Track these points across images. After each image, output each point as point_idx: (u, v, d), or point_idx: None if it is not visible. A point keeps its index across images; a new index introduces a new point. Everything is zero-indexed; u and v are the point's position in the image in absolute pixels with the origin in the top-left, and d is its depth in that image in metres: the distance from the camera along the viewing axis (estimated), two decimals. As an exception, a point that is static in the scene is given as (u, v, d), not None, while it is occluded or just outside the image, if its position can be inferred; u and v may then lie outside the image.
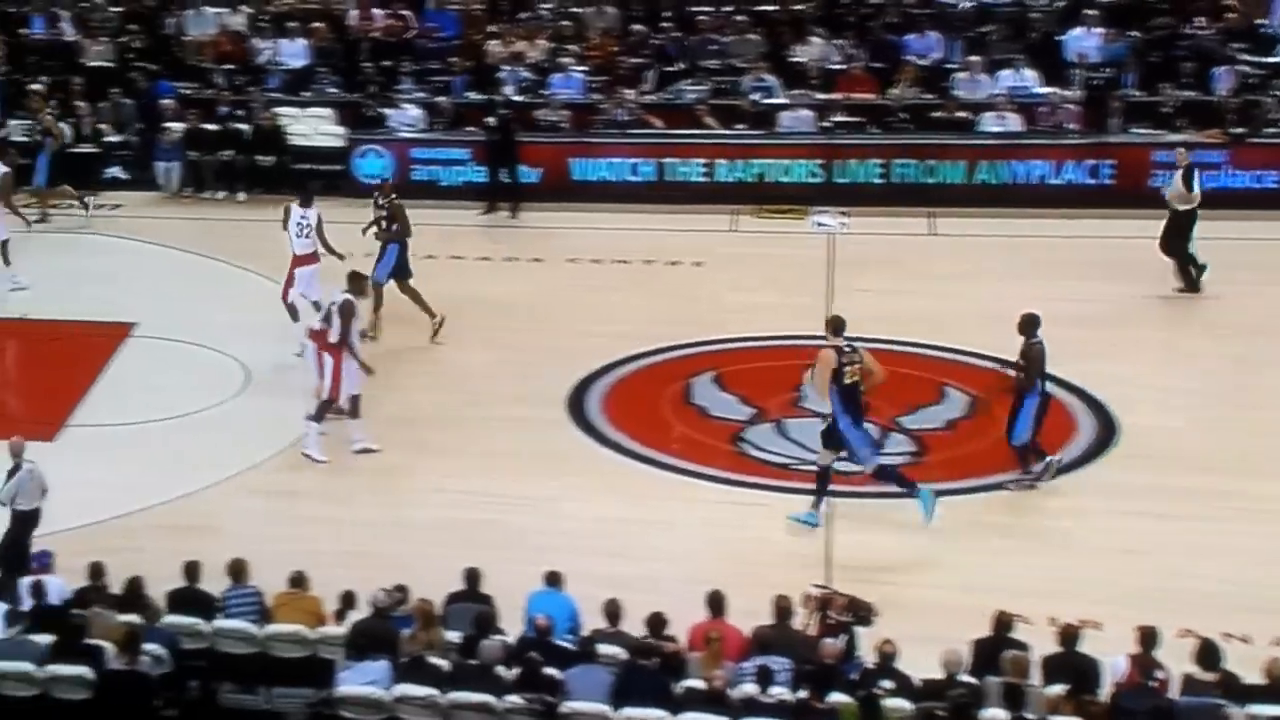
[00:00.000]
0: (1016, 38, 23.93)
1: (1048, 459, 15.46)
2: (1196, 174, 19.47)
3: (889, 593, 12.95)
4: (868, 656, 11.87)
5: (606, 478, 15.90)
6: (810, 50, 23.99)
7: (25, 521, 14.02)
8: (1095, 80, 23.14)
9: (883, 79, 23.62)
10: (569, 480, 15.72)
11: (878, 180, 22.47)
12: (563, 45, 24.44)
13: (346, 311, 16.04)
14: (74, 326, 18.20)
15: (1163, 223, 19.32)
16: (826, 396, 14.59)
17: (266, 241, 20.06)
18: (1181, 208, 19.28)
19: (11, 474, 14.06)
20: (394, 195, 19.00)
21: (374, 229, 18.57)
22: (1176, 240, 19.29)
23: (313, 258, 18.03)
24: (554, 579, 12.78)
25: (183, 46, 25.02)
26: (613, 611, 12.32)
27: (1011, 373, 15.33)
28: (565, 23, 24.76)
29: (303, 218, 18.11)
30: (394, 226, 18.48)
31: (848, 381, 14.55)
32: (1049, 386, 15.59)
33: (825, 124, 23.05)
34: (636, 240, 21.06)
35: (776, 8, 24.76)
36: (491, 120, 22.69)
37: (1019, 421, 15.28)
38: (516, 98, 23.62)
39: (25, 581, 12.87)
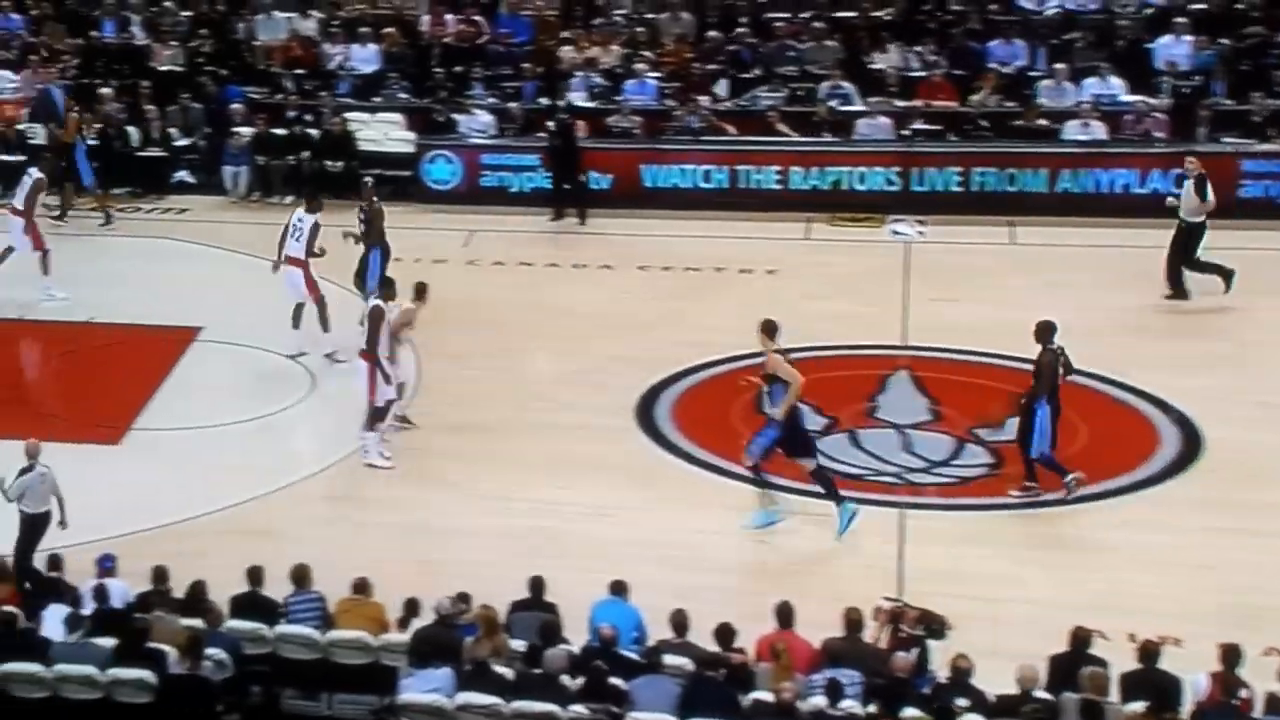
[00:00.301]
0: (1102, 45, 23.80)
1: (1069, 477, 15.34)
2: (1209, 184, 19.35)
3: (963, 607, 12.84)
4: (941, 671, 11.78)
5: (675, 486, 15.90)
6: (889, 57, 23.94)
7: (33, 525, 14.17)
8: (1184, 88, 22.96)
9: (963, 86, 23.54)
10: (636, 489, 15.73)
11: (957, 188, 22.37)
12: (637, 51, 24.52)
13: (375, 317, 16.18)
14: (140, 330, 18.40)
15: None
16: (792, 397, 14.70)
17: (332, 246, 20.25)
18: (1192, 220, 19.18)
19: (22, 473, 14.21)
20: (375, 200, 19.22)
21: (354, 234, 18.86)
22: (1180, 252, 19.18)
23: (301, 262, 18.18)
24: (619, 588, 12.79)
25: (252, 51, 25.34)
26: (679, 622, 12.30)
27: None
28: (640, 29, 24.83)
29: (299, 220, 18.29)
30: (365, 232, 18.78)
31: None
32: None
33: (904, 131, 22.97)
34: (708, 248, 21.10)
35: (855, 14, 24.73)
36: (551, 125, 22.78)
37: (1034, 432, 15.19)
38: (588, 103, 23.73)
39: (88, 585, 13.02)
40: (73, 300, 19.62)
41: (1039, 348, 15.23)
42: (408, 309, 16.45)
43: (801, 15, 24.81)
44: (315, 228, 18.22)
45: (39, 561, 13.68)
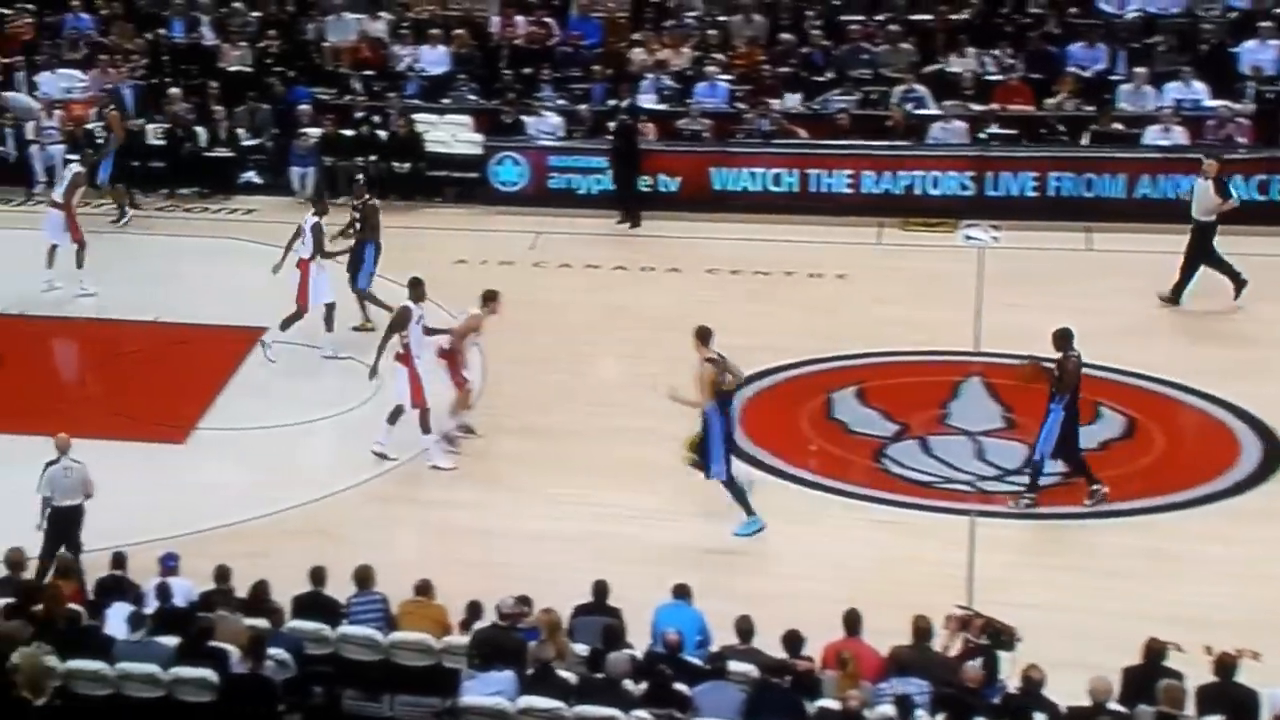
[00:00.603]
0: (1185, 49, 23.62)
1: (1095, 487, 15.35)
2: (1229, 182, 19.41)
3: (1034, 616, 12.74)
4: (1012, 681, 11.70)
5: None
6: (965, 61, 23.85)
7: (61, 518, 14.32)
8: (1269, 93, 22.74)
9: (1040, 90, 23.41)
10: (702, 494, 15.67)
11: (1032, 193, 22.25)
12: (708, 54, 24.55)
13: (401, 317, 16.38)
14: (206, 330, 18.58)
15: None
16: (704, 408, 14.84)
17: (399, 248, 20.37)
18: (1205, 219, 19.15)
19: (48, 466, 14.41)
20: (368, 197, 19.40)
21: (344, 232, 19.05)
22: (1200, 253, 19.18)
23: (305, 263, 18.40)
24: (683, 592, 12.79)
25: (321, 52, 25.53)
26: (745, 628, 12.28)
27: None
28: (711, 31, 24.86)
29: (307, 223, 18.58)
30: (359, 228, 18.94)
31: (725, 389, 14.94)
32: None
33: (979, 135, 22.87)
34: (777, 252, 21.08)
35: (931, 17, 24.66)
36: (612, 125, 22.81)
37: (1044, 434, 15.25)
38: (657, 106, 23.77)
39: (151, 583, 13.16)
40: (103, 296, 19.92)
41: (1059, 354, 15.29)
42: (475, 315, 16.53)
43: (876, 18, 24.78)
44: (317, 229, 18.43)
45: (103, 560, 13.80)
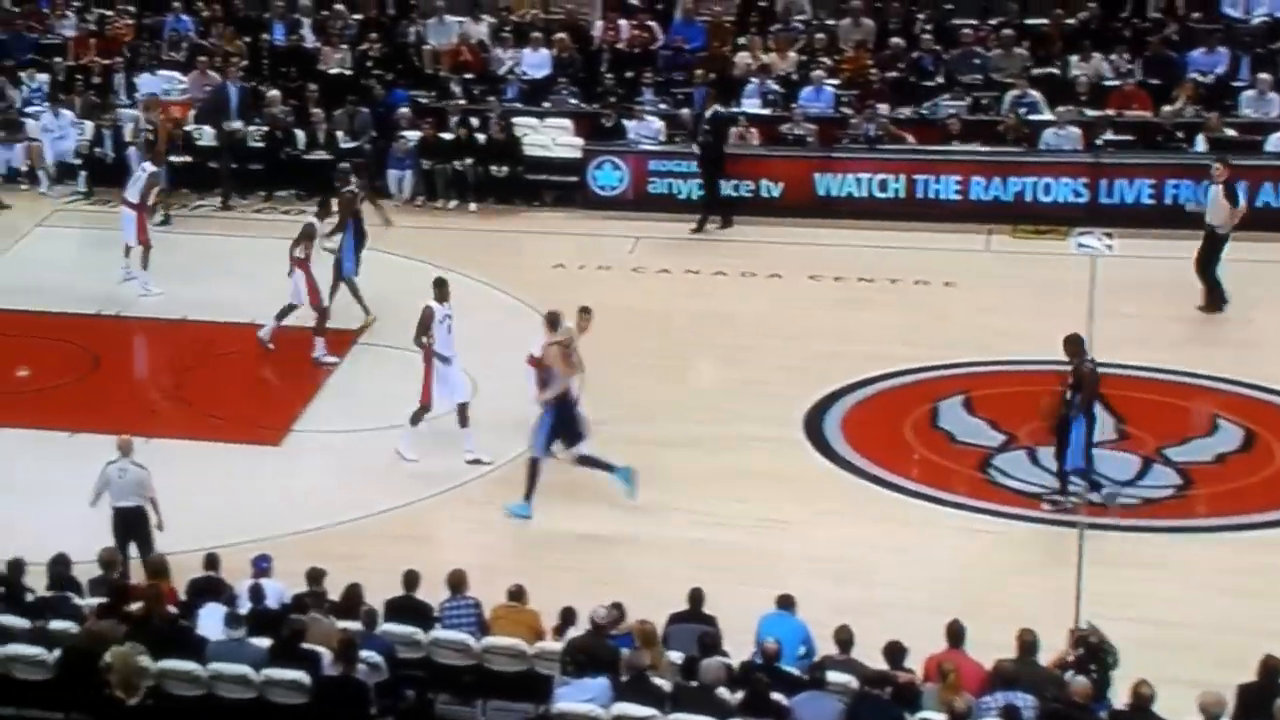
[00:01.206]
0: (1313, 55, 23.32)
1: (1105, 488, 15.41)
2: (1239, 188, 19.52)
3: (1144, 631, 12.68)
4: (1121, 698, 11.58)
5: (844, 501, 15.92)
6: (1081, 65, 23.67)
7: (123, 519, 14.51)
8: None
9: (1159, 96, 23.18)
10: (803, 502, 15.77)
11: (1148, 200, 22.02)
12: (814, 58, 24.55)
13: (425, 318, 16.60)
14: (301, 332, 18.78)
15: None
16: (559, 385, 15.69)
17: (497, 252, 20.63)
18: (1218, 224, 19.19)
19: (107, 465, 14.64)
20: (348, 186, 19.93)
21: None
22: (1210, 259, 19.15)
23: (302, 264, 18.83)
24: (786, 602, 12.79)
25: (421, 55, 25.78)
26: (844, 638, 12.26)
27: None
28: (819, 35, 24.85)
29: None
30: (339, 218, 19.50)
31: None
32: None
33: (1094, 141, 22.68)
34: (882, 258, 21.05)
35: (1046, 21, 24.49)
36: (706, 126, 22.86)
37: (1072, 445, 15.25)
38: (761, 110, 23.80)
39: (244, 585, 13.34)
40: (200, 296, 20.22)
41: (1075, 362, 15.31)
42: (568, 329, 16.56)
43: (989, 22, 24.65)
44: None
45: (195, 561, 14.02)
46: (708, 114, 22.69)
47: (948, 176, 22.56)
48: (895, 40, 24.62)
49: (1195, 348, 17.72)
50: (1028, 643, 12.02)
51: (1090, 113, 23.08)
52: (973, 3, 25.42)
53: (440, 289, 16.86)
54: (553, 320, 16.13)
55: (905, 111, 23.73)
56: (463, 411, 16.70)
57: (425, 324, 16.56)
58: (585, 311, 16.58)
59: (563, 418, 15.76)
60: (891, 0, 25.29)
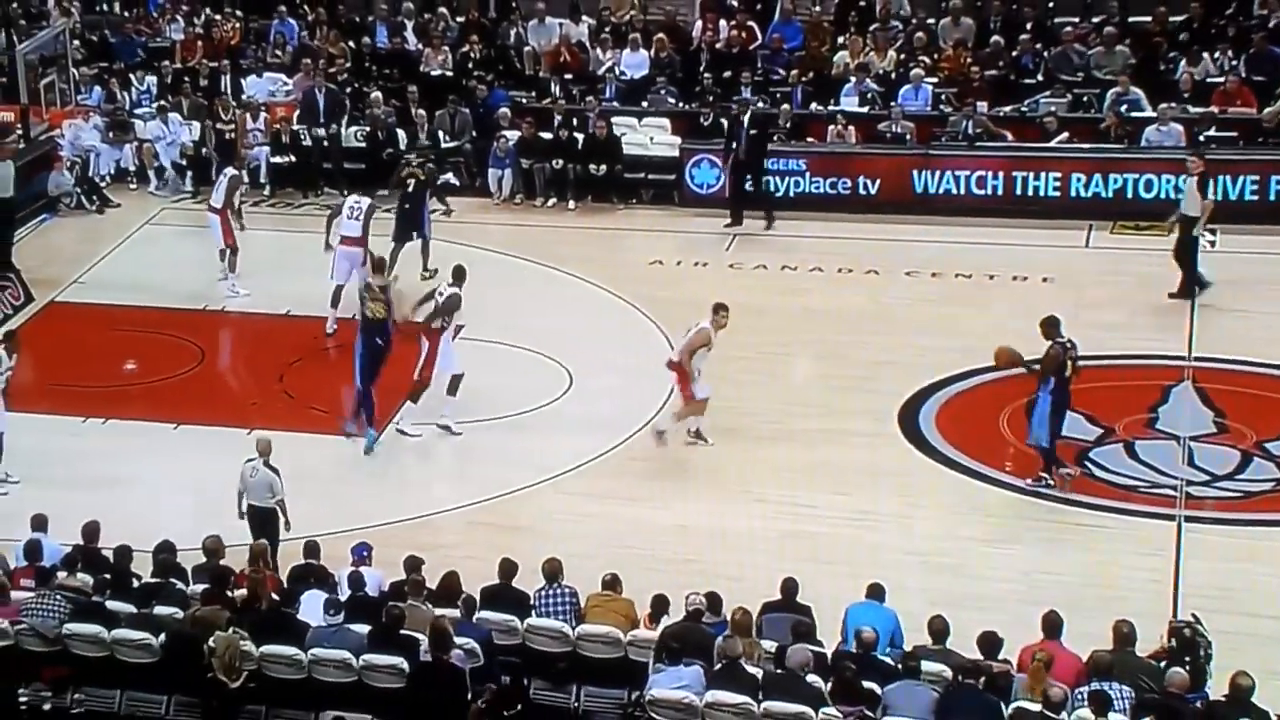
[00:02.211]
0: None
1: (1064, 470, 15.56)
2: (1210, 182, 19.87)
3: (1243, 624, 12.56)
4: (1219, 689, 11.46)
5: (940, 494, 15.86)
6: (1184, 63, 23.41)
7: (255, 516, 14.72)
8: None
9: (1262, 93, 22.89)
10: (898, 495, 15.75)
11: (1252, 197, 21.75)
12: (914, 56, 24.47)
13: (451, 305, 17.03)
14: (405, 327, 18.88)
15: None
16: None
17: (594, 248, 20.70)
18: (1193, 215, 19.42)
19: (246, 463, 14.86)
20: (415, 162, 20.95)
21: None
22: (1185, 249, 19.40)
23: (358, 241, 19.15)
24: (876, 592, 12.78)
25: (521, 57, 25.96)
26: (939, 629, 12.22)
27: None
28: (918, 34, 24.77)
29: (356, 203, 19.65)
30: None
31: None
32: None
33: (1197, 138, 22.42)
34: (980, 255, 20.96)
35: (1149, 19, 24.26)
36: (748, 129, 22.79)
37: (1033, 422, 15.55)
38: (858, 109, 23.77)
39: (343, 572, 13.52)
40: (303, 291, 20.39)
41: (1047, 343, 15.56)
42: (703, 329, 16.59)
43: (1091, 20, 24.44)
44: (370, 210, 19.50)
45: (296, 549, 14.20)
46: (745, 117, 22.64)
47: (1048, 173, 22.37)
48: (995, 38, 24.50)
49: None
50: (1124, 634, 11.95)
51: (1194, 110, 22.81)
52: (1074, 1, 25.23)
53: (460, 278, 17.40)
54: (379, 265, 17.50)
55: (1005, 109, 23.58)
56: (455, 382, 17.16)
57: (450, 309, 16.99)
58: (721, 307, 16.68)
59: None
60: (993, -1, 25.22)
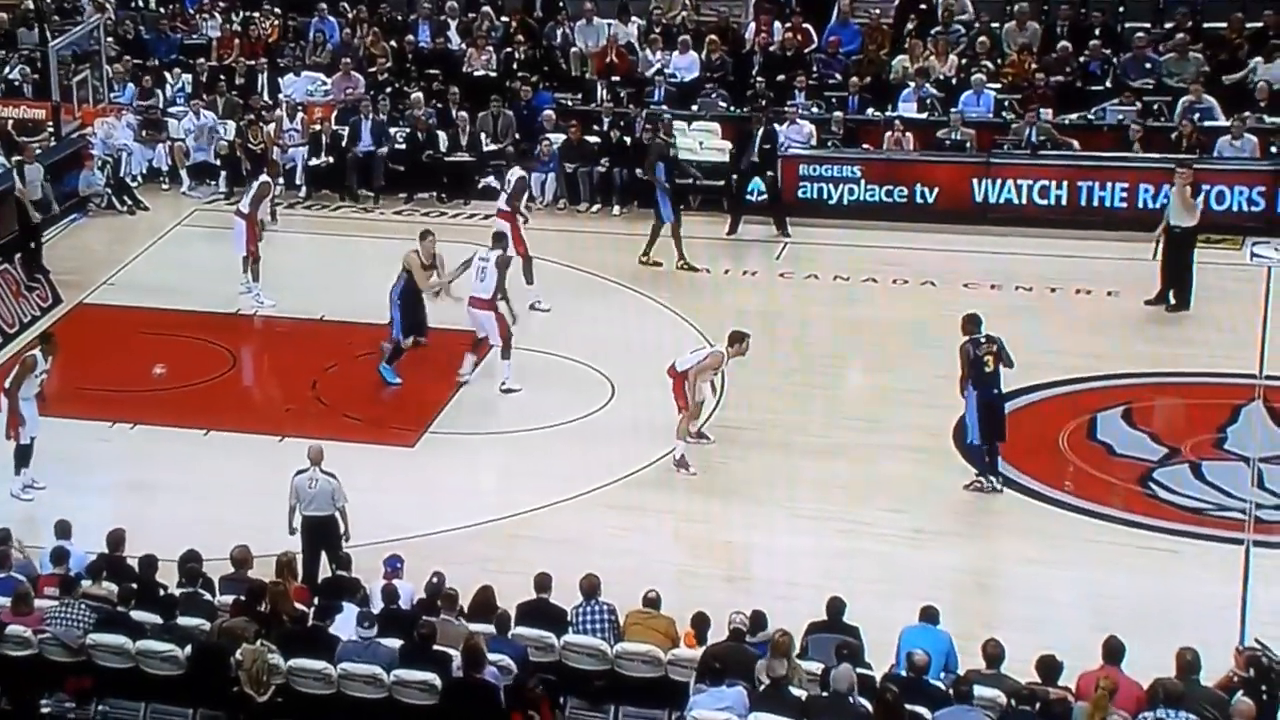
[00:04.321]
0: None
1: (989, 477, 16.02)
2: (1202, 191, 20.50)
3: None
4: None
5: (997, 514, 15.82)
6: (1263, 70, 23.28)
7: (314, 528, 14.76)
8: None
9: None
10: (953, 514, 15.72)
11: (1333, 211, 21.67)
12: (976, 61, 24.42)
13: (501, 265, 18.05)
14: (440, 333, 18.88)
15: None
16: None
17: (637, 256, 20.72)
18: (1185, 225, 19.76)
19: (297, 474, 14.89)
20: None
21: None
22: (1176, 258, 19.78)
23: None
24: (929, 614, 12.72)
25: (568, 58, 26.03)
26: (994, 653, 12.17)
27: None
28: (981, 39, 24.71)
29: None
30: None
31: None
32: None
33: (1271, 149, 22.29)
34: (1042, 266, 20.91)
35: (1223, 25, 24.15)
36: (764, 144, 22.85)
37: (967, 423, 16.09)
38: (917, 115, 23.74)
39: (376, 585, 13.56)
40: (339, 297, 20.62)
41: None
42: (717, 353, 16.71)
43: (1163, 26, 24.36)
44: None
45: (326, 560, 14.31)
46: (759, 132, 22.65)
47: (1114, 183, 22.30)
48: (1062, 43, 24.42)
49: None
50: (1188, 661, 11.84)
51: (1270, 119, 22.67)
52: (1145, 6, 25.16)
53: (500, 241, 18.68)
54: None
55: (1070, 117, 23.51)
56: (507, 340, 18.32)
57: (503, 269, 18.24)
58: (740, 337, 16.81)
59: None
60: (1060, 2, 25.07)
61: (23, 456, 16.76)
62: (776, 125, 23.30)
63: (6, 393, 16.72)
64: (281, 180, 22.94)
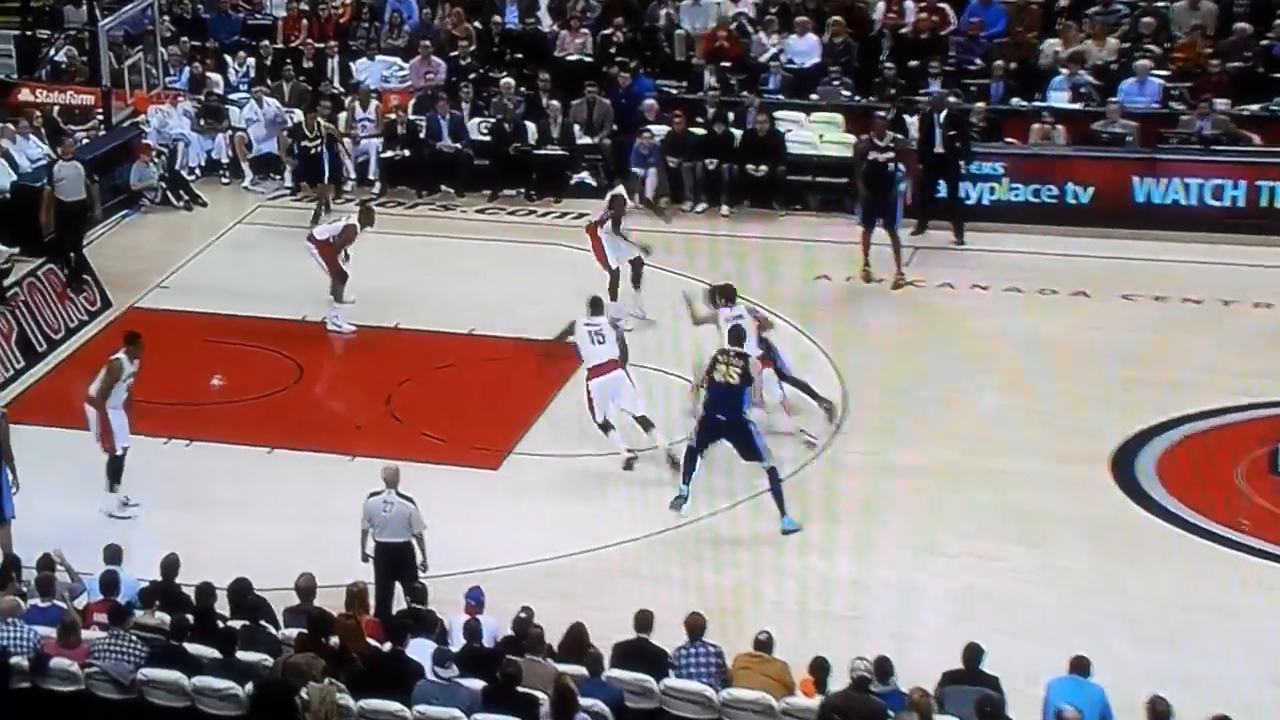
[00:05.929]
0: None
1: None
2: None
3: None
4: None
5: (1157, 552, 15.72)
6: None
7: (388, 554, 14.91)
8: None
9: None
10: (1108, 553, 15.64)
11: None
12: (1139, 45, 24.35)
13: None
14: (526, 345, 19.08)
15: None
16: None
17: (750, 261, 20.83)
18: None
19: (370, 497, 15.06)
20: None
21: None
22: None
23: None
24: (1080, 665, 12.67)
25: (672, 41, 26.17)
26: (1161, 710, 12.06)
27: None
28: (1145, 20, 24.63)
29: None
30: None
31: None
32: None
33: None
34: (1214, 276, 20.86)
35: None
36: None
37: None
38: (1070, 105, 23.69)
39: (456, 619, 13.69)
40: (414, 305, 20.93)
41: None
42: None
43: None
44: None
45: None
46: (940, 115, 22.68)
47: (1300, 183, 22.27)
48: (1240, 25, 24.32)
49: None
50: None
51: None
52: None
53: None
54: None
55: (1250, 108, 23.41)
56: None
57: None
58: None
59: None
60: (1240, -20, 25.01)
61: (115, 471, 17.09)
62: (906, 117, 23.39)
63: (93, 402, 17.04)
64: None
